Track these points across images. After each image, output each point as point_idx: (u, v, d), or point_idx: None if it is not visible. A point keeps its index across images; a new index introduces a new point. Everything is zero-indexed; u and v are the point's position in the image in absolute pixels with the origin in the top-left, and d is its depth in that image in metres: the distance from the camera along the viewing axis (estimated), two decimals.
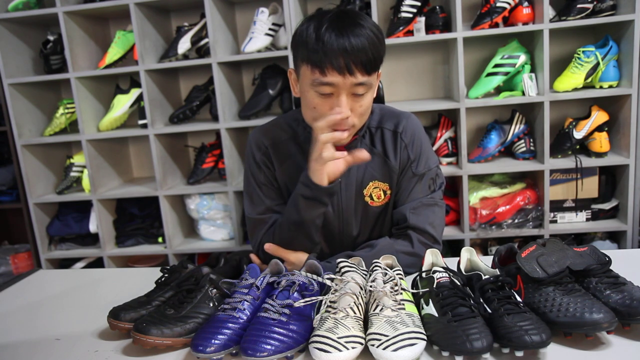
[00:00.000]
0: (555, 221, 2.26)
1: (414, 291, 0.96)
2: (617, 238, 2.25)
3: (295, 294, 0.92)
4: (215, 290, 0.99)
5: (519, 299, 0.88)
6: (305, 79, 1.13)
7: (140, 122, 2.38)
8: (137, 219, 2.51)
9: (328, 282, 0.95)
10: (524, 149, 2.25)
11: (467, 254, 1.05)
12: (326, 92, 1.10)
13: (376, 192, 1.27)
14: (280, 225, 1.23)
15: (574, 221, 2.26)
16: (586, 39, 2.30)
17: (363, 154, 1.12)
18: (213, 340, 0.85)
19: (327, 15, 1.11)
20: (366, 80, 1.09)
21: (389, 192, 1.28)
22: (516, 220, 2.20)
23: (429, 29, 2.18)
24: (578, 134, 2.17)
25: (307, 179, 1.14)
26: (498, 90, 2.23)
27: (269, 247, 1.22)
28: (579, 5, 2.05)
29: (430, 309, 0.89)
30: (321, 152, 1.10)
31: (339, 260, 1.00)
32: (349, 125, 1.13)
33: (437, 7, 2.19)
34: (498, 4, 2.10)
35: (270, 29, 2.21)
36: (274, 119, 1.36)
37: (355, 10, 1.15)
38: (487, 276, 0.92)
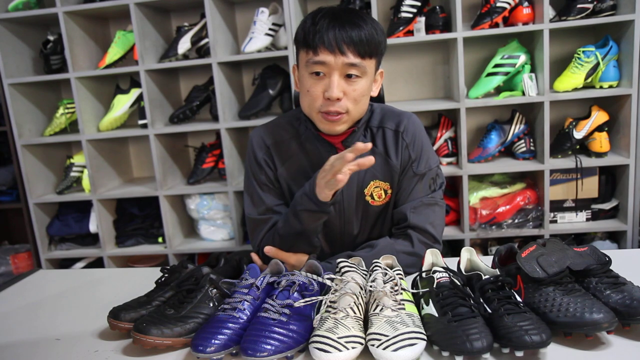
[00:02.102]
0: (555, 221, 2.26)
1: (414, 291, 0.96)
2: (617, 238, 2.25)
3: (295, 294, 0.92)
4: (215, 290, 0.99)
5: (519, 299, 0.88)
6: (301, 63, 1.16)
7: (140, 122, 2.38)
8: (137, 219, 2.51)
9: (328, 282, 0.95)
10: (524, 149, 2.25)
11: (467, 254, 1.05)
12: (318, 72, 1.12)
13: (377, 192, 1.27)
14: (280, 232, 1.23)
15: (574, 221, 2.26)
16: (586, 39, 2.29)
17: (368, 160, 1.04)
18: (213, 340, 0.85)
19: (326, 7, 1.16)
20: (359, 63, 1.11)
21: (389, 191, 1.28)
22: (516, 220, 2.20)
23: (429, 29, 2.18)
24: (578, 134, 2.17)
25: (314, 196, 1.12)
26: (498, 90, 2.23)
27: (269, 250, 1.23)
28: (579, 5, 2.05)
29: (430, 309, 0.89)
30: (334, 178, 1.05)
31: (339, 260, 1.00)
32: (343, 109, 1.14)
33: (437, 7, 2.19)
34: (498, 4, 2.10)
35: (270, 29, 2.21)
36: (275, 119, 1.36)
37: (359, 10, 1.18)
38: (487, 276, 0.92)
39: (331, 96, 1.11)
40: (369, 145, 1.04)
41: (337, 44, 1.09)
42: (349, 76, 1.12)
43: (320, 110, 1.15)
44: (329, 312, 0.88)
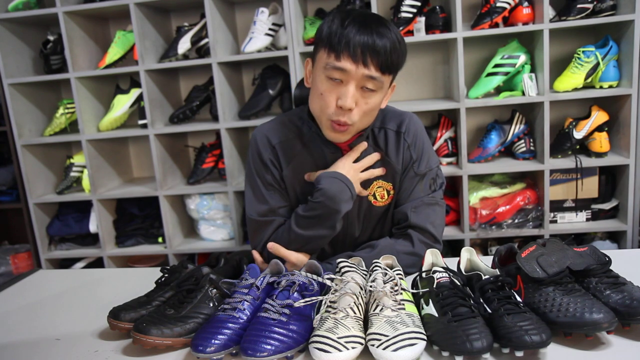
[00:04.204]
0: (555, 221, 2.26)
1: (414, 291, 0.96)
2: (617, 238, 2.25)
3: (295, 294, 0.92)
4: (215, 290, 0.99)
5: (519, 299, 0.88)
6: (319, 62, 1.13)
7: (140, 122, 2.38)
8: (137, 219, 2.51)
9: (328, 282, 0.95)
10: (524, 149, 2.25)
11: (467, 254, 1.05)
12: (336, 78, 1.10)
13: (380, 192, 1.27)
14: (291, 231, 1.22)
15: (574, 221, 2.26)
16: (586, 39, 2.29)
17: (376, 170, 1.24)
18: (213, 340, 0.85)
19: (355, 11, 1.14)
20: (378, 77, 1.09)
21: (392, 192, 1.28)
22: (516, 220, 2.20)
23: (429, 29, 2.18)
24: (578, 134, 2.17)
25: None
26: (498, 90, 2.23)
27: (271, 246, 1.22)
28: (579, 5, 2.05)
29: (430, 309, 0.89)
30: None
31: (339, 260, 1.01)
32: (351, 121, 1.12)
33: (437, 7, 2.19)
34: (498, 4, 2.10)
35: (270, 29, 2.21)
36: (278, 117, 1.34)
37: (386, 20, 1.16)
38: (487, 276, 0.92)
39: (344, 105, 1.09)
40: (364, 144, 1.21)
41: (362, 54, 1.07)
42: (364, 88, 1.11)
43: (331, 118, 1.13)
44: (329, 312, 0.88)
